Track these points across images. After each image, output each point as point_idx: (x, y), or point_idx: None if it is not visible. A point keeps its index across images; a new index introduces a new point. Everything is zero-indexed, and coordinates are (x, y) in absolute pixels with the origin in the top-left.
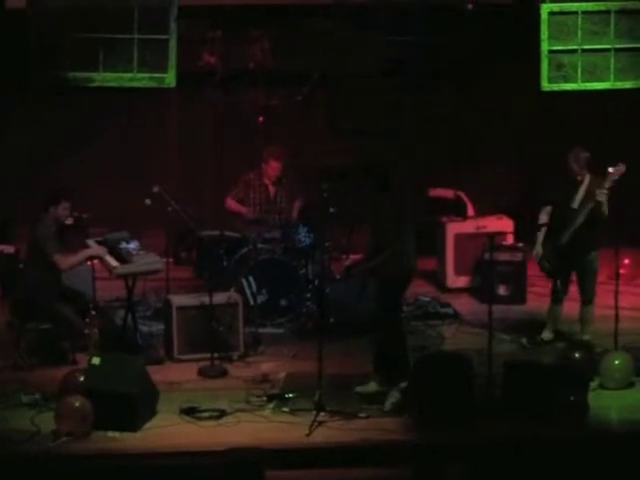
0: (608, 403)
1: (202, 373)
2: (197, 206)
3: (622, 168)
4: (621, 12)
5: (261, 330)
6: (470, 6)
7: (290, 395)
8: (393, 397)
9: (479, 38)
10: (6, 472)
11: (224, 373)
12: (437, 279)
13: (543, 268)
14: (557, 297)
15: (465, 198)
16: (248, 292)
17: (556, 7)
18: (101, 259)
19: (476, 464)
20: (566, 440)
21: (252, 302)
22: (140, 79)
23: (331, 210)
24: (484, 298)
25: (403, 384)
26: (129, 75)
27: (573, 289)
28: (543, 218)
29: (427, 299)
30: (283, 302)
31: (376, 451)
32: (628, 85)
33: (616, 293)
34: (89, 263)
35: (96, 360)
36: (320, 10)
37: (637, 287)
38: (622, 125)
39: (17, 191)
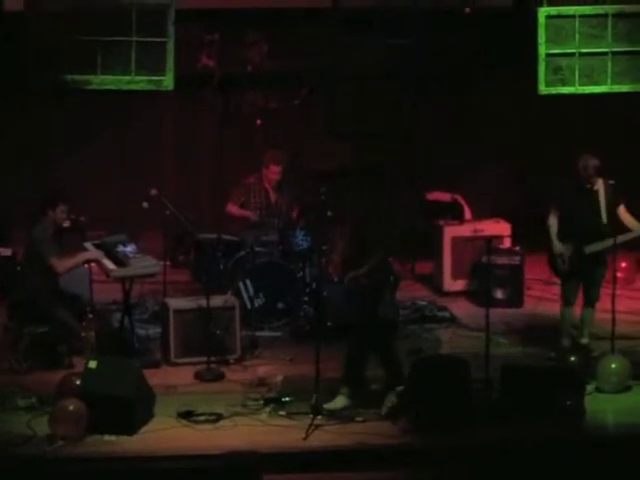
0: (605, 406)
1: (199, 376)
2: (195, 209)
3: None
4: (619, 15)
5: (258, 333)
6: (468, 10)
7: (287, 399)
8: (390, 401)
9: (477, 41)
10: (2, 476)
11: (221, 376)
12: (434, 282)
13: (557, 269)
14: (569, 301)
15: (462, 201)
16: (245, 295)
17: (553, 10)
18: (98, 262)
19: (473, 467)
20: (563, 443)
21: (249, 305)
22: (138, 82)
23: (329, 213)
24: (481, 301)
25: (400, 388)
26: (127, 78)
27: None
28: (553, 222)
29: (424, 302)
30: (280, 305)
31: (373, 455)
32: (625, 88)
33: (613, 296)
34: (86, 266)
35: (93, 363)
36: (318, 13)
37: (634, 291)
38: (620, 128)
39: (15, 193)
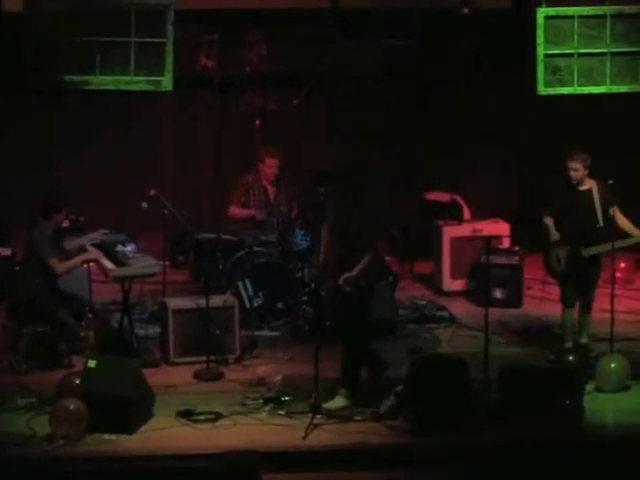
0: (604, 406)
1: (198, 376)
2: (194, 209)
3: None
4: (617, 16)
5: (257, 333)
6: (466, 10)
7: (286, 398)
8: (389, 400)
9: (476, 42)
10: (2, 475)
11: (220, 376)
12: (433, 282)
13: (552, 270)
14: (570, 302)
15: (461, 202)
16: (244, 295)
17: (552, 11)
18: (97, 262)
19: (472, 467)
20: (562, 443)
21: (248, 305)
22: (137, 82)
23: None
24: (480, 301)
25: (399, 387)
26: (126, 78)
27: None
28: (549, 221)
29: (423, 302)
30: (279, 305)
31: (372, 454)
32: (624, 89)
33: (612, 296)
34: (85, 266)
35: (92, 363)
36: (317, 14)
37: (633, 291)
38: (619, 129)
39: (14, 193)
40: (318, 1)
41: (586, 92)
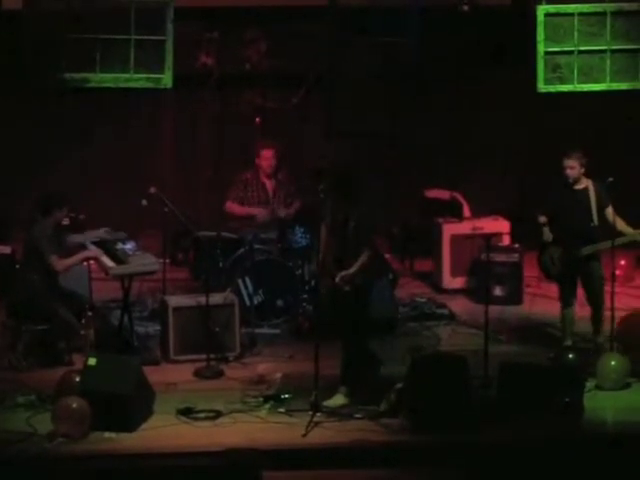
0: (603, 404)
1: (198, 374)
2: (194, 207)
3: None
4: (617, 13)
5: (257, 331)
6: (466, 7)
7: (286, 396)
8: (389, 398)
9: (475, 39)
10: (3, 473)
11: (220, 374)
12: (433, 280)
13: (547, 270)
14: (568, 302)
15: (461, 199)
16: (244, 293)
17: (552, 8)
18: (97, 260)
19: (472, 464)
20: (562, 441)
21: (248, 303)
22: (137, 80)
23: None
24: (480, 299)
25: (399, 385)
26: (126, 76)
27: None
28: (542, 219)
29: (423, 300)
30: (279, 303)
31: (372, 452)
32: (624, 87)
33: (612, 294)
34: (85, 264)
35: (92, 361)
36: (316, 12)
37: (633, 288)
38: (619, 126)
39: (14, 192)
40: None
41: (586, 90)
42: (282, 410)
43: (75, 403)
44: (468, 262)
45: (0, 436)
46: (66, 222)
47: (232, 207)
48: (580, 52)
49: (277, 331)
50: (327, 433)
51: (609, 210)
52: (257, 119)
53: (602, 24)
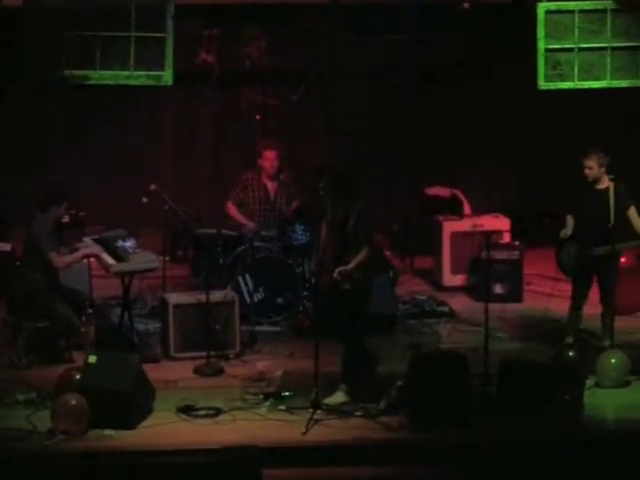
0: (603, 402)
1: (198, 371)
2: (194, 204)
3: None
4: (618, 11)
5: (257, 328)
6: (466, 5)
7: (286, 393)
8: (389, 396)
9: (475, 37)
10: (2, 471)
11: (220, 371)
12: (433, 277)
13: (565, 268)
14: (577, 303)
15: (461, 197)
16: (245, 290)
17: (553, 6)
18: (97, 257)
19: (471, 462)
20: (561, 438)
21: (249, 300)
22: (137, 77)
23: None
24: (480, 296)
25: (399, 382)
26: (126, 73)
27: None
28: (567, 233)
29: (423, 297)
30: (280, 300)
31: (372, 449)
32: (624, 84)
33: (614, 293)
34: (85, 261)
35: (92, 358)
36: (317, 9)
37: None
38: (619, 124)
39: (13, 189)
40: None
41: (586, 87)
42: (282, 408)
43: (74, 400)
44: (468, 260)
45: (0, 433)
46: (66, 219)
47: (230, 209)
48: (580, 49)
49: (277, 329)
50: (327, 431)
51: (631, 211)
52: (257, 116)
53: (602, 21)
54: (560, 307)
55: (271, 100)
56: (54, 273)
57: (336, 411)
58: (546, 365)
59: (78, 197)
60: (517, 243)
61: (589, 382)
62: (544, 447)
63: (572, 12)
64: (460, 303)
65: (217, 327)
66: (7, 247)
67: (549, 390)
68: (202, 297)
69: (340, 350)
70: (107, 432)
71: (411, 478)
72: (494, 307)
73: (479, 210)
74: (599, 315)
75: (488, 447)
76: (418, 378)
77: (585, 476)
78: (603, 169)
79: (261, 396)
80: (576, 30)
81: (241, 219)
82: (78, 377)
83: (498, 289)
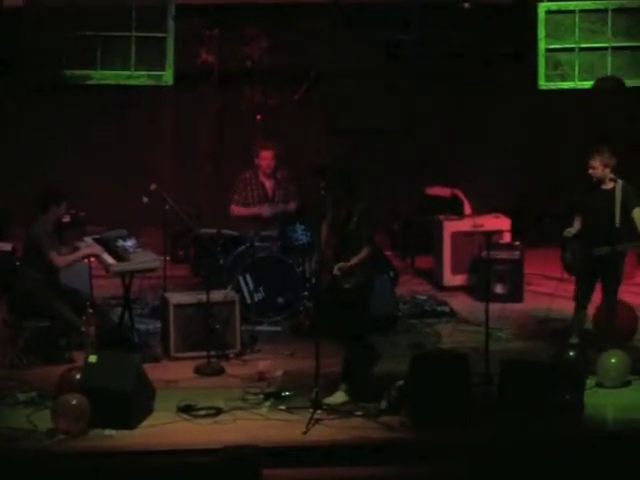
0: (604, 402)
1: (199, 371)
2: (194, 204)
3: None
4: (618, 11)
5: (258, 328)
6: (467, 5)
7: (287, 393)
8: (390, 396)
9: (476, 37)
10: (3, 470)
11: (221, 371)
12: (434, 277)
13: (566, 263)
14: (581, 302)
15: (462, 196)
16: (245, 290)
17: (553, 6)
18: (98, 257)
19: (472, 461)
20: (562, 438)
21: (249, 300)
22: (138, 77)
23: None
24: (481, 296)
25: (399, 382)
26: (127, 73)
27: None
28: (571, 231)
29: (424, 297)
30: (280, 300)
31: (373, 449)
32: (625, 84)
33: (617, 293)
34: (86, 261)
35: (93, 358)
36: (317, 8)
37: (634, 286)
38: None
39: (14, 189)
40: None
41: (587, 87)
42: (283, 407)
43: (75, 400)
44: (469, 259)
45: (0, 433)
46: (67, 219)
47: (237, 210)
48: (581, 49)
49: (278, 328)
50: (328, 430)
51: (636, 212)
52: (258, 116)
53: (603, 21)
54: (562, 307)
55: (272, 100)
56: (54, 273)
57: (336, 411)
58: (547, 365)
59: (79, 197)
60: (517, 243)
61: (590, 382)
62: (545, 447)
63: (573, 12)
64: (461, 303)
65: (217, 327)
66: (7, 247)
67: (550, 390)
68: (203, 297)
69: (339, 350)
70: (107, 432)
71: (411, 478)
72: (495, 307)
73: (480, 210)
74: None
75: (489, 447)
76: (419, 378)
77: (585, 476)
78: (608, 169)
79: (261, 396)
80: (577, 30)
81: (251, 211)
82: (78, 377)
83: (499, 289)
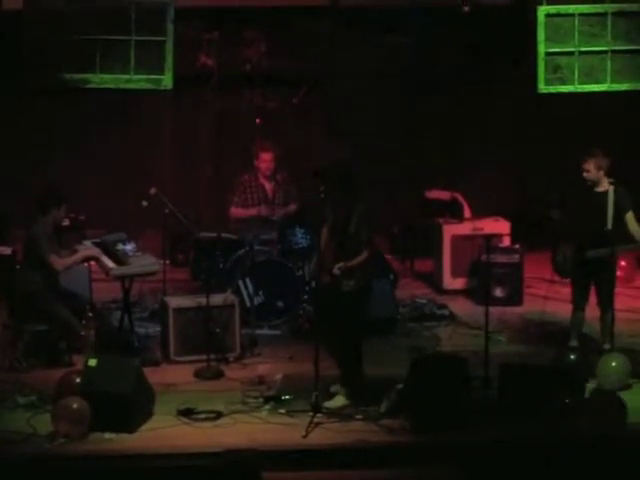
0: None
1: (198, 375)
2: (194, 208)
3: None
4: (618, 14)
5: (257, 332)
6: (467, 8)
7: (286, 397)
8: (389, 399)
9: (476, 40)
10: (3, 473)
11: (220, 375)
12: (433, 281)
13: (557, 266)
14: (578, 304)
15: (461, 200)
16: (245, 294)
17: (553, 9)
18: (97, 260)
19: (472, 465)
20: (561, 442)
21: (249, 304)
22: (137, 81)
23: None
24: (480, 300)
25: (399, 385)
26: (126, 77)
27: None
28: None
29: (423, 301)
30: (280, 304)
31: (372, 453)
32: (625, 87)
33: (613, 296)
34: (86, 265)
35: (92, 362)
36: (316, 11)
37: (633, 289)
38: (620, 127)
39: (14, 192)
40: None
41: (587, 90)
42: (282, 411)
43: (75, 404)
44: (468, 263)
45: (0, 436)
46: (66, 223)
47: (236, 212)
48: (581, 53)
49: (277, 332)
50: (327, 434)
51: (628, 215)
52: (257, 119)
53: (603, 25)
54: (558, 310)
55: (271, 103)
56: (54, 276)
57: (336, 414)
58: (546, 368)
59: (78, 200)
60: (517, 246)
61: (590, 385)
62: (544, 450)
63: (572, 15)
64: (460, 306)
65: (217, 330)
66: (7, 251)
67: (549, 393)
68: (202, 300)
69: (332, 352)
70: (107, 435)
71: None
72: (494, 310)
73: (479, 213)
74: (598, 318)
75: (488, 450)
76: (418, 381)
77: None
78: (602, 172)
79: (261, 399)
80: (576, 33)
81: (249, 212)
82: (78, 380)
83: (498, 292)
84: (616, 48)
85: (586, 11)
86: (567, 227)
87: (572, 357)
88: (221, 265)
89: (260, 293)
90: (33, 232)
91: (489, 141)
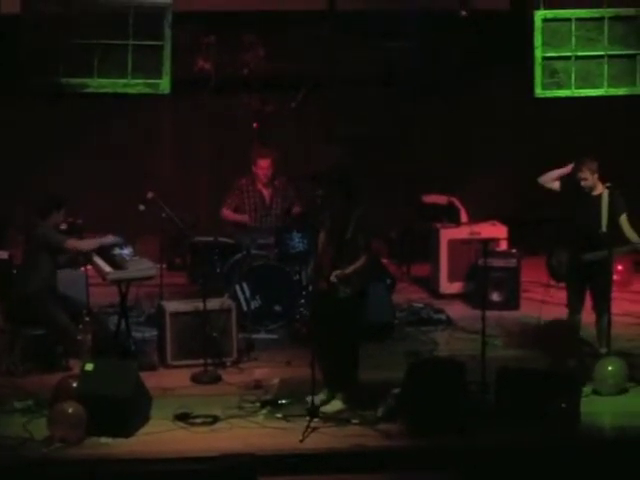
0: (601, 409)
1: (195, 379)
2: (191, 212)
3: None
4: (615, 19)
5: (254, 336)
6: (464, 13)
7: (283, 401)
8: (386, 403)
9: (473, 45)
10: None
11: (217, 379)
12: (430, 285)
13: (552, 270)
14: (573, 308)
15: (459, 204)
16: (242, 298)
17: (550, 14)
18: (94, 264)
19: (469, 470)
20: (558, 446)
21: (246, 308)
22: (135, 85)
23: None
24: (477, 304)
25: (396, 390)
26: (123, 81)
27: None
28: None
29: (420, 305)
30: (277, 308)
31: (369, 457)
32: (622, 92)
33: (610, 299)
34: (82, 269)
35: (89, 366)
36: (314, 16)
37: (630, 293)
38: (617, 131)
39: (12, 196)
40: (316, 3)
41: (584, 95)
42: (279, 415)
43: (72, 408)
44: (466, 267)
45: None
46: (64, 227)
47: (226, 214)
48: (578, 57)
49: (274, 336)
50: (324, 438)
51: (622, 218)
52: (255, 124)
53: (600, 29)
54: (554, 314)
55: (269, 107)
56: (52, 281)
57: (333, 419)
58: (543, 372)
59: (76, 205)
60: (514, 251)
61: (587, 389)
62: (542, 454)
63: (569, 20)
64: (457, 311)
65: (214, 335)
66: (4, 255)
67: (546, 397)
68: (199, 305)
69: (326, 357)
70: (104, 440)
71: None
72: (491, 315)
73: (476, 217)
74: (594, 323)
75: (486, 454)
76: (415, 386)
77: None
78: (596, 175)
79: (258, 404)
80: (573, 38)
81: (239, 218)
82: (75, 385)
83: (495, 297)
84: (613, 53)
85: (583, 16)
86: (563, 230)
87: (569, 361)
88: (218, 269)
89: (257, 297)
90: (39, 233)
91: (486, 145)
